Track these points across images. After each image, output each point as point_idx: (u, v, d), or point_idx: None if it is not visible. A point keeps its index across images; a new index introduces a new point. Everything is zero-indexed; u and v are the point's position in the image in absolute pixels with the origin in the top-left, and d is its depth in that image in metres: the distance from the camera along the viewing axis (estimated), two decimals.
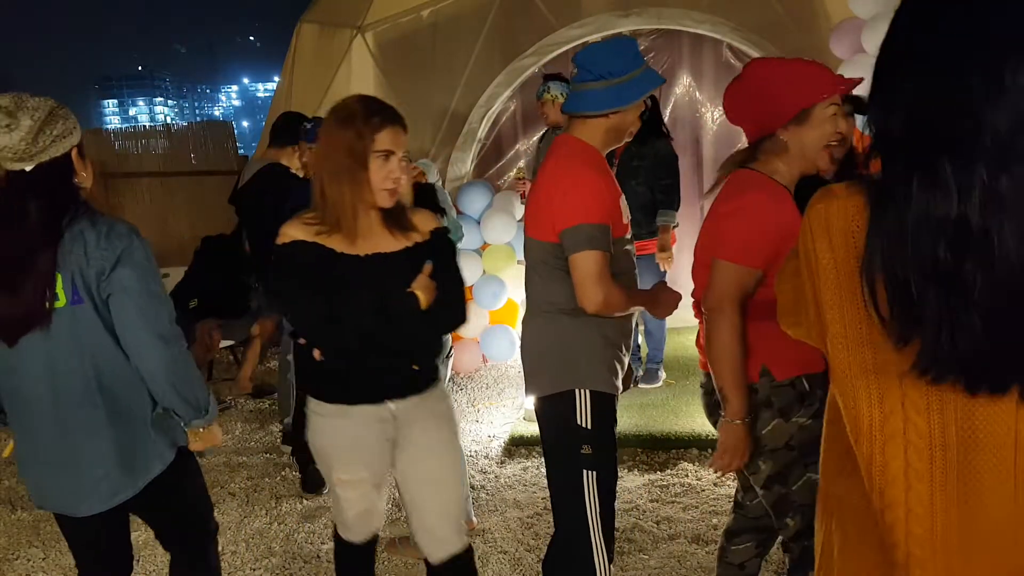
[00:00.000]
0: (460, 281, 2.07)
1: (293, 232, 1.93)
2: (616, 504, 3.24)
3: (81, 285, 1.80)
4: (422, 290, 1.93)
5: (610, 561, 2.20)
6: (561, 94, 4.25)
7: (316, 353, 1.98)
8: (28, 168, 1.78)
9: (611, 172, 2.14)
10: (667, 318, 4.39)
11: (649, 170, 4.29)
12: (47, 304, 1.78)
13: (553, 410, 2.13)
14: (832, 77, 1.91)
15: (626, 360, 2.19)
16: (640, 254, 4.28)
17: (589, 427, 2.08)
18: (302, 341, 2.07)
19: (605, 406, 2.11)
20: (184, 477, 2.08)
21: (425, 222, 2.05)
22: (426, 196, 2.95)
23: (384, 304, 1.91)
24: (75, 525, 1.98)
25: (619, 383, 2.16)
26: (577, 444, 2.09)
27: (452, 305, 2.01)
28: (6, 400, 1.94)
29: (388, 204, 1.94)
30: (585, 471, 2.10)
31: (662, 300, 2.20)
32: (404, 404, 2.04)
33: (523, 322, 2.26)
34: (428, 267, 1.97)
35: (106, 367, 1.87)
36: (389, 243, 1.97)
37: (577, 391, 2.07)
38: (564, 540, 2.22)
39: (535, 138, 5.93)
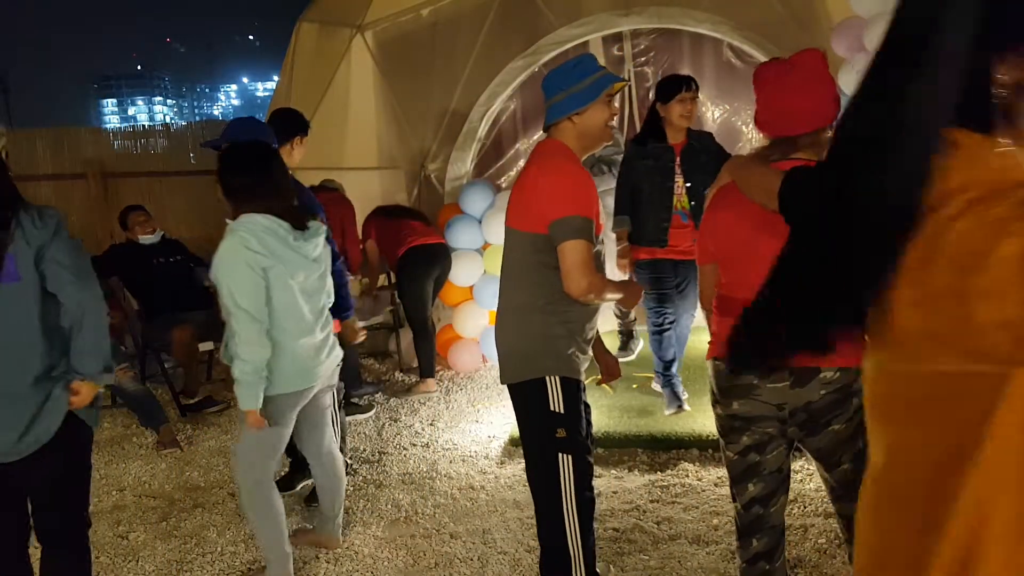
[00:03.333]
0: None
1: None
2: (616, 504, 3.25)
3: (20, 263, 2.06)
4: None
5: (586, 549, 2.28)
6: None
7: None
8: None
9: (590, 173, 2.32)
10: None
11: (714, 160, 3.87)
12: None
13: (528, 397, 2.30)
14: None
15: (588, 350, 2.38)
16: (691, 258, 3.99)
17: (562, 411, 2.26)
18: None
19: (574, 392, 2.30)
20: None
21: None
22: None
23: None
24: None
25: (583, 370, 2.35)
26: (552, 428, 2.26)
27: None
28: None
29: None
30: (561, 454, 2.26)
31: (630, 292, 2.44)
32: None
33: (497, 313, 2.41)
34: None
35: (27, 337, 2.13)
36: None
37: (548, 378, 2.26)
38: (539, 525, 2.37)
39: (535, 137, 5.93)
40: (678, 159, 3.98)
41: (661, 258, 4.04)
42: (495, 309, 5.53)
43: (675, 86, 3.89)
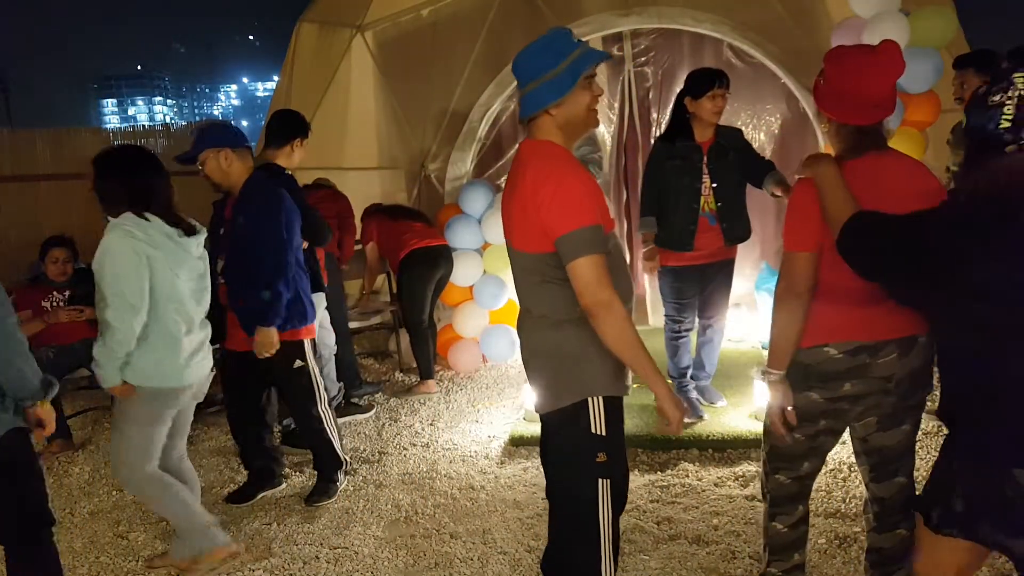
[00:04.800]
0: None
1: None
2: None
3: None
4: None
5: (616, 569, 2.17)
6: None
7: None
8: None
9: (585, 168, 2.07)
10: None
11: (742, 158, 3.85)
12: None
13: (568, 422, 2.07)
14: None
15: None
16: (729, 258, 3.96)
17: (604, 433, 2.05)
18: None
19: (616, 410, 2.10)
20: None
21: None
22: None
23: None
24: None
25: (628, 382, 2.12)
26: (593, 453, 2.06)
27: None
28: None
29: None
30: (600, 480, 2.07)
31: (668, 401, 2.00)
32: None
33: (522, 335, 2.18)
34: None
35: None
36: None
37: (590, 400, 2.04)
38: (570, 548, 2.19)
39: None
40: (705, 158, 3.78)
41: (686, 265, 3.86)
42: (495, 309, 5.58)
43: (707, 82, 3.67)
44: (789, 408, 2.14)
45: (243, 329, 3.31)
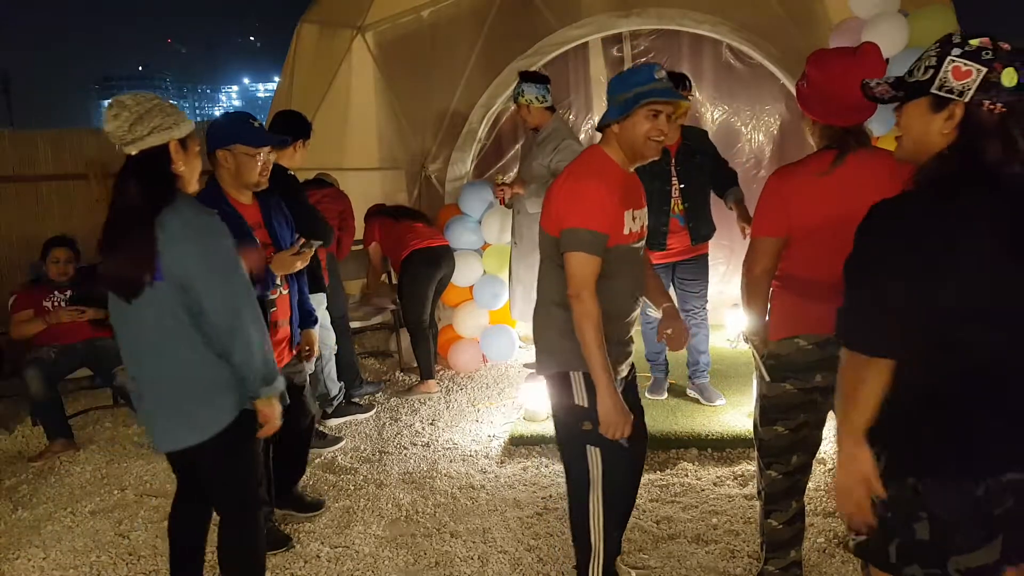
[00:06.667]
0: None
1: None
2: None
3: (163, 265, 2.05)
4: None
5: (608, 545, 2.28)
6: (537, 98, 4.20)
7: None
8: (133, 152, 2.10)
9: (622, 187, 2.24)
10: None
11: (709, 161, 4.09)
12: (145, 277, 2.05)
13: (556, 389, 2.31)
14: None
15: (626, 349, 2.37)
16: (699, 254, 4.17)
17: (586, 405, 2.24)
18: None
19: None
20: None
21: None
22: None
23: None
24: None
25: (620, 369, 2.33)
26: (578, 421, 2.26)
27: None
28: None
29: None
30: (588, 447, 2.25)
31: (603, 403, 2.17)
32: None
33: (535, 305, 2.44)
34: None
35: (170, 338, 2.13)
36: None
37: (571, 373, 2.26)
38: (570, 513, 2.36)
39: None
40: (673, 160, 3.97)
41: (657, 263, 4.04)
42: (495, 309, 5.58)
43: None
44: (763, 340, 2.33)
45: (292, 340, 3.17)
